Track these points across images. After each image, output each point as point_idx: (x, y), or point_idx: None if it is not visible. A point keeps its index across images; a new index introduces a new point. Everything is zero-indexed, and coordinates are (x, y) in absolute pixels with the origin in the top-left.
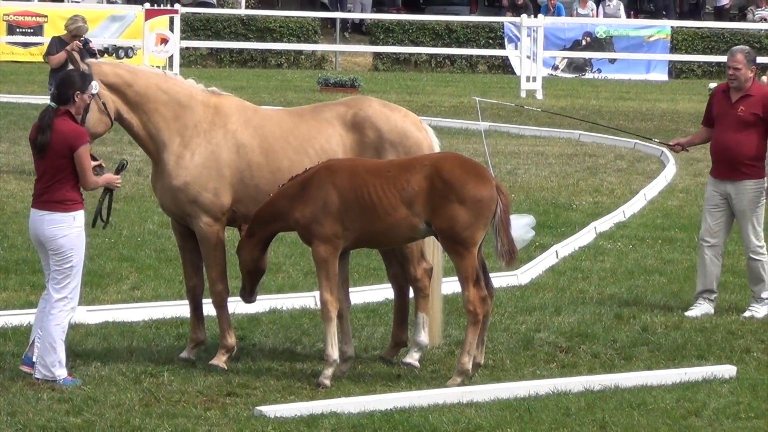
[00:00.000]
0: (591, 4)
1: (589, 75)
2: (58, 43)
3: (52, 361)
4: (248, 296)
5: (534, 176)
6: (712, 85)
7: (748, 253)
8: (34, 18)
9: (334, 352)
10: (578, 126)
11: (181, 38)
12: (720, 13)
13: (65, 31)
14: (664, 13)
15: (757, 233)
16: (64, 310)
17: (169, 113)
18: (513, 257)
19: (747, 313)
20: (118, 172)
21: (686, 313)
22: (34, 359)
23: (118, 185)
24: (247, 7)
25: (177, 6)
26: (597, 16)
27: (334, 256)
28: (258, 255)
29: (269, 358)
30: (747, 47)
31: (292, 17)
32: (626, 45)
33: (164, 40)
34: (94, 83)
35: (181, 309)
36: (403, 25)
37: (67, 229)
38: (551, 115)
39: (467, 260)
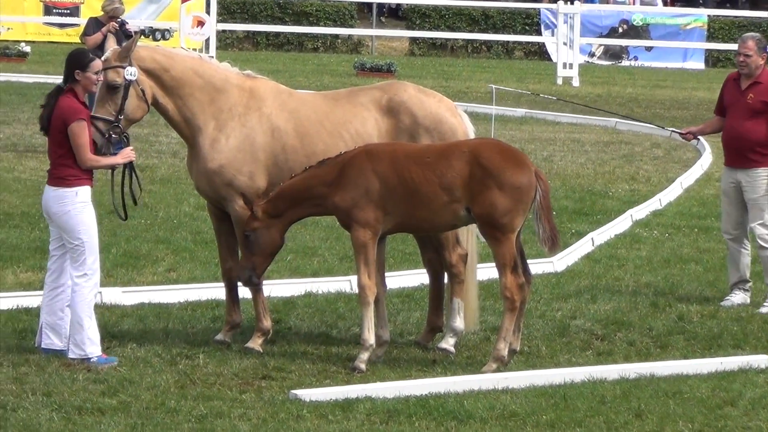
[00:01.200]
0: None
1: (625, 62)
2: (94, 24)
3: (82, 339)
4: (258, 279)
5: (570, 163)
6: None
7: (759, 242)
8: None
9: (370, 337)
10: (615, 113)
11: (218, 21)
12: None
13: (102, 12)
14: (700, 1)
15: (765, 222)
16: (86, 286)
17: (204, 97)
18: (556, 243)
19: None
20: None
21: (722, 303)
22: (43, 345)
23: (133, 157)
24: None
25: None
26: (634, 3)
27: (373, 241)
28: (282, 236)
29: (305, 341)
30: (758, 34)
31: (329, 1)
32: (663, 33)
33: (200, 23)
34: (133, 69)
35: (216, 291)
36: (440, 10)
37: (70, 205)
38: (587, 103)
39: (506, 247)
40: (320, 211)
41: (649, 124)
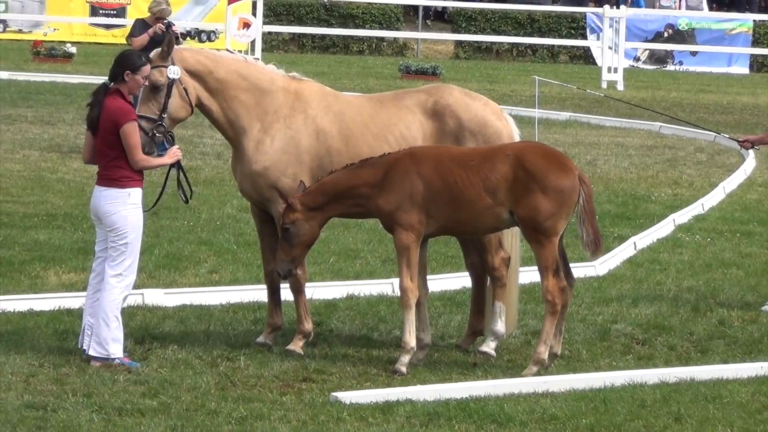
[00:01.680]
0: None
1: (670, 67)
2: (141, 26)
3: (105, 338)
4: (296, 270)
5: (614, 167)
6: None
7: None
8: (117, 0)
9: (411, 340)
10: (658, 117)
11: (264, 23)
12: None
13: (149, 14)
14: (746, 6)
15: None
16: (118, 287)
17: (249, 99)
18: (599, 247)
19: None
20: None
21: (763, 308)
22: (84, 347)
23: (180, 156)
24: None
25: None
26: (679, 8)
27: (416, 244)
28: (320, 229)
29: (346, 344)
30: None
31: (375, 4)
32: (708, 38)
33: (247, 25)
34: (176, 68)
35: (258, 293)
36: (486, 13)
37: (121, 206)
38: (631, 107)
39: (548, 250)
40: (360, 212)
41: (708, 130)
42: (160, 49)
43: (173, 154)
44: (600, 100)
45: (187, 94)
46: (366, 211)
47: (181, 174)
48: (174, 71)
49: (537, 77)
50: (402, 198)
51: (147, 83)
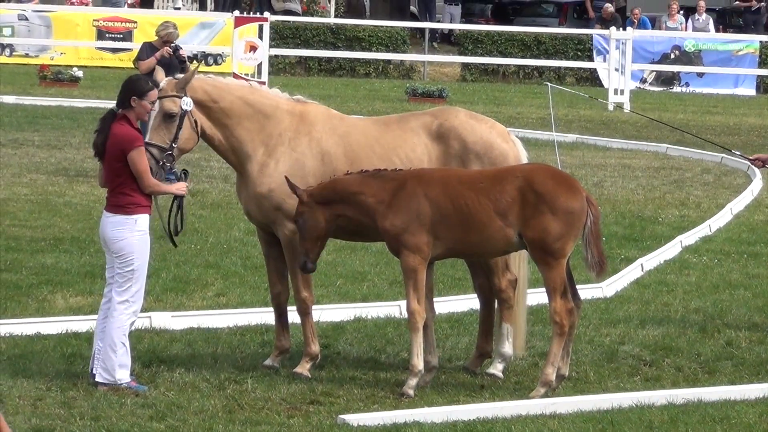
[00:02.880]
0: (680, 18)
1: (677, 88)
2: (148, 49)
3: (113, 365)
4: (312, 264)
5: (620, 189)
6: None
7: None
8: (123, 24)
9: (419, 363)
10: (665, 139)
11: (270, 46)
12: None
13: (156, 37)
14: (752, 27)
15: None
16: (125, 313)
17: (253, 126)
18: (603, 269)
19: None
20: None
21: None
22: (94, 371)
23: (184, 192)
24: (336, 17)
25: (266, 14)
26: (686, 29)
27: (423, 266)
28: (326, 221)
29: (353, 366)
30: None
31: (381, 27)
32: (715, 59)
33: (253, 48)
34: (189, 100)
35: (265, 316)
36: (492, 35)
37: (128, 232)
38: (638, 129)
39: (556, 271)
40: (362, 223)
41: (725, 149)
42: (173, 79)
43: (178, 187)
44: (606, 122)
45: (196, 125)
46: (367, 218)
47: (180, 213)
48: (187, 102)
49: (549, 84)
50: (409, 220)
51: (155, 108)
